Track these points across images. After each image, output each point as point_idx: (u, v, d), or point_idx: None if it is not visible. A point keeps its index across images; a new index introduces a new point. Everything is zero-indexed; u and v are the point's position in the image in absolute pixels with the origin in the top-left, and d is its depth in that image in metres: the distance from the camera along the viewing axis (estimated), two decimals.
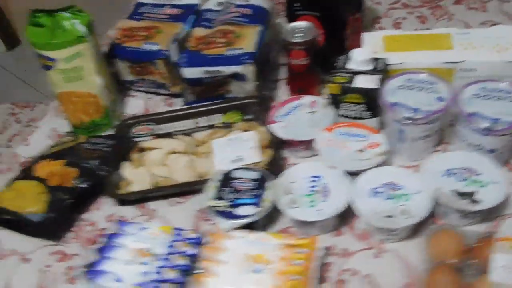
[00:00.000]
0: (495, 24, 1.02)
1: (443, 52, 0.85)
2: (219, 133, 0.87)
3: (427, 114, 0.73)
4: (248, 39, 0.89)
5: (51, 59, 0.82)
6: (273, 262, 0.64)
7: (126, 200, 0.80)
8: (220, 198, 0.72)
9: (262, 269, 0.64)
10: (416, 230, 0.70)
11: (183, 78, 0.89)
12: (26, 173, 0.82)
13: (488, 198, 0.66)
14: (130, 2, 1.06)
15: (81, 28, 0.82)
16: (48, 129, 0.96)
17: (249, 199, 0.71)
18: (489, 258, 0.59)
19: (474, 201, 0.66)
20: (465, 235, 0.64)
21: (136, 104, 0.99)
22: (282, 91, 0.96)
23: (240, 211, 0.70)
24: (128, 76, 0.97)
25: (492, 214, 0.70)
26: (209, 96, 0.93)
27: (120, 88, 0.98)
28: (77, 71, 0.84)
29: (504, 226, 0.69)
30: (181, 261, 0.66)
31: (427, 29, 1.02)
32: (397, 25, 1.08)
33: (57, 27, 0.81)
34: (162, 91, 0.97)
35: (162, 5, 1.00)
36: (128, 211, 0.79)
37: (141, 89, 0.99)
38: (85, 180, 0.79)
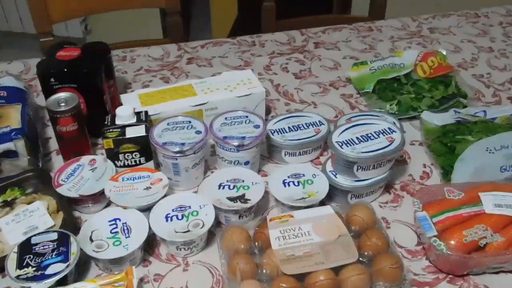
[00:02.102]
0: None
1: (190, 98, 1.04)
2: (2, 213, 0.85)
3: (192, 145, 0.88)
4: (11, 117, 0.92)
5: None
6: None
7: None
8: (24, 267, 0.72)
9: None
10: (208, 240, 0.83)
11: None
12: None
13: (254, 196, 0.85)
14: None
15: None
16: None
17: (54, 258, 0.73)
18: (267, 236, 0.76)
19: (246, 200, 0.84)
20: (245, 228, 0.80)
21: None
22: (56, 160, 1.00)
23: (49, 270, 0.72)
24: None
25: (260, 209, 0.89)
26: None
27: None
28: None
29: (270, 213, 0.89)
30: None
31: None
32: (146, 87, 1.24)
33: None
34: None
35: None
36: None
37: None
38: None
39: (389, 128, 0.88)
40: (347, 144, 0.85)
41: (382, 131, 0.88)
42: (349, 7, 2.60)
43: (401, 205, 0.91)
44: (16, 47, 2.88)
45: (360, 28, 1.53)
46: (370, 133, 0.87)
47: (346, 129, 0.89)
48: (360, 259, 0.73)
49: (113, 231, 0.79)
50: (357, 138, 0.86)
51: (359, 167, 0.84)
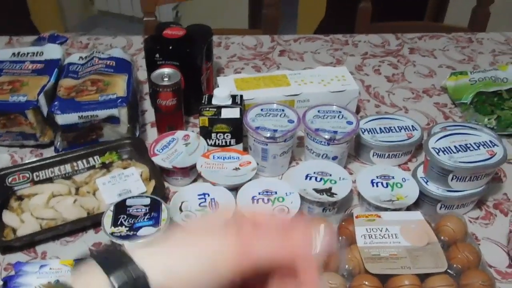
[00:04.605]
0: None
1: (284, 88, 1.05)
2: (100, 173, 0.90)
3: (284, 133, 0.89)
4: (118, 86, 0.97)
5: None
6: None
7: (12, 246, 0.77)
8: (119, 226, 0.76)
9: None
10: None
11: (57, 125, 0.91)
12: None
13: (341, 191, 0.84)
14: None
15: None
16: None
17: (146, 222, 0.77)
18: (352, 232, 0.76)
19: (332, 194, 0.84)
20: (329, 221, 0.80)
21: (0, 158, 0.96)
22: (149, 132, 1.05)
23: (141, 232, 0.75)
24: None
25: (343, 205, 0.88)
26: (82, 142, 0.96)
27: None
28: None
29: (355, 210, 0.88)
30: None
31: None
32: (237, 74, 1.27)
33: None
34: (30, 142, 0.97)
35: (22, 61, 1.02)
36: (16, 258, 0.77)
37: (4, 143, 0.98)
38: None
39: (491, 141, 0.85)
40: (444, 152, 0.83)
41: (482, 143, 0.84)
42: (443, 15, 2.52)
43: (493, 223, 0.87)
44: (111, 27, 3.02)
45: (459, 38, 1.48)
46: (470, 144, 0.84)
47: (444, 136, 0.86)
48: (448, 270, 0.70)
49: (201, 204, 0.81)
50: (455, 147, 0.84)
51: (454, 177, 0.81)
